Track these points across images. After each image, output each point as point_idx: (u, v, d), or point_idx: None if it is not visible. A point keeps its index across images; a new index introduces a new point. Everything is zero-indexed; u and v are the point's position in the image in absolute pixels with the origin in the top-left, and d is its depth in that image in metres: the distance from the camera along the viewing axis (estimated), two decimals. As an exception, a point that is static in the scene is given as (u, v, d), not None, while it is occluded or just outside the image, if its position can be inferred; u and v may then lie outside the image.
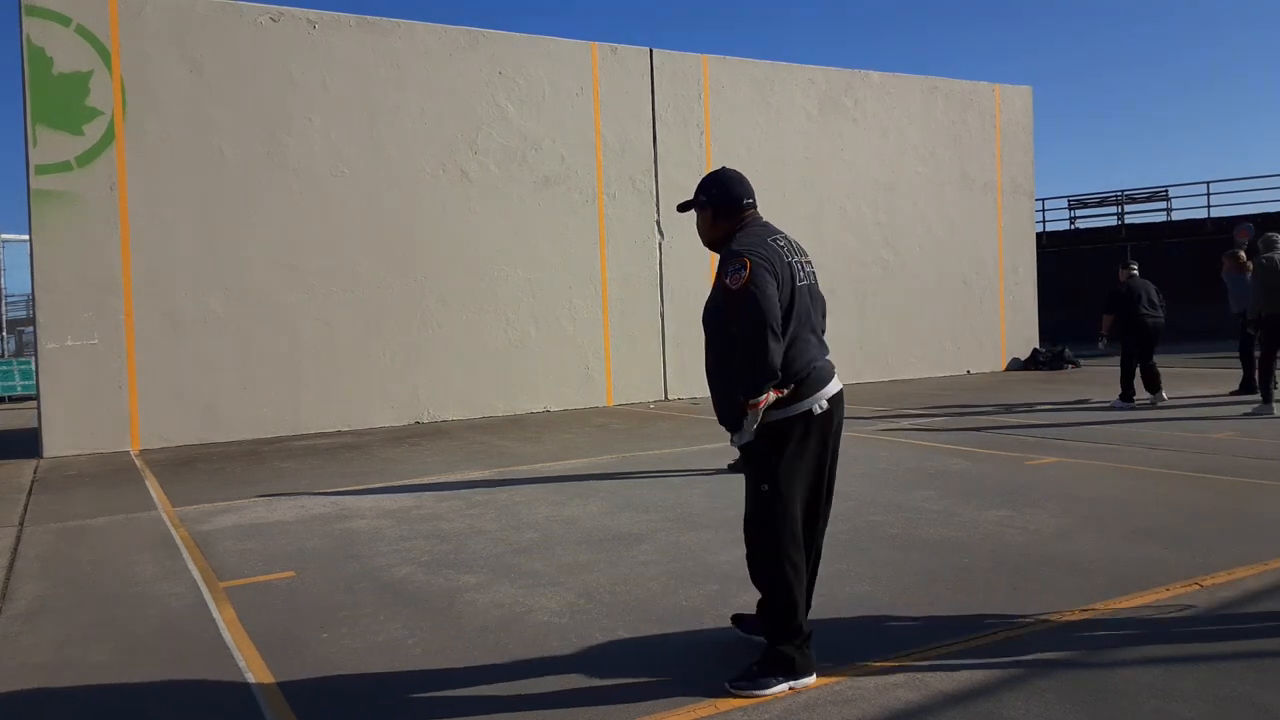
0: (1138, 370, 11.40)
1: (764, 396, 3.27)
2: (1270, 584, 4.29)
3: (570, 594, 4.55)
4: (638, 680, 3.47)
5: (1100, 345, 11.97)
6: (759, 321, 3.21)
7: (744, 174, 3.66)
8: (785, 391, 3.33)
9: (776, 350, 3.24)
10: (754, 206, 3.58)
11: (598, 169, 13.75)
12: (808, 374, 3.39)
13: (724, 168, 3.71)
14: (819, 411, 3.38)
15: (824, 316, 3.59)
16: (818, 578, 3.66)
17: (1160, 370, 11.47)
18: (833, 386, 3.46)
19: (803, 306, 3.41)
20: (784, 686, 3.26)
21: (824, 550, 3.70)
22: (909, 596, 4.30)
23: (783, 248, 3.42)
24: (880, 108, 16.38)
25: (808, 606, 3.48)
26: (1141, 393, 11.41)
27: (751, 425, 3.31)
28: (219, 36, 11.41)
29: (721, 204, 3.54)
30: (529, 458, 9.06)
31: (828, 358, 3.50)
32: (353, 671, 3.67)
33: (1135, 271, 11.76)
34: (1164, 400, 11.30)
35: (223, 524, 6.51)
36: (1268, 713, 3.00)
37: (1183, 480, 6.82)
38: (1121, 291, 11.61)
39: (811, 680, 3.32)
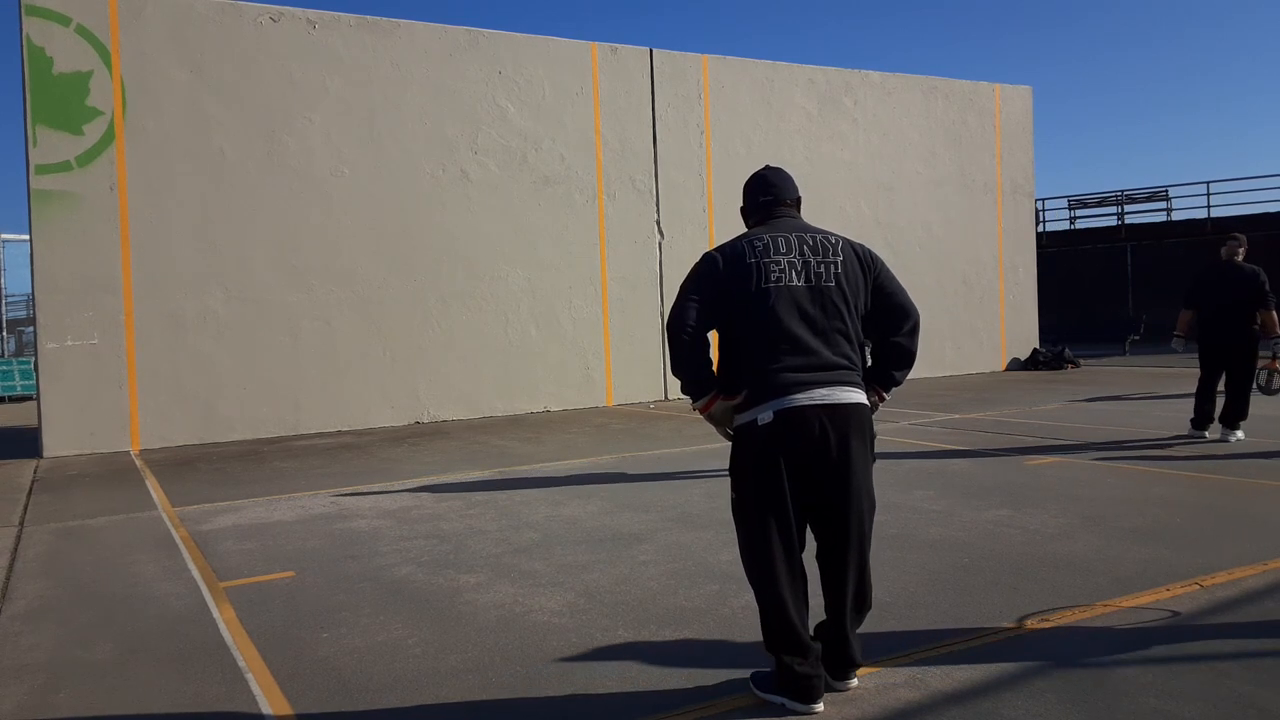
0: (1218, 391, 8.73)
1: (704, 401, 3.25)
2: (1270, 584, 4.29)
3: (570, 594, 4.55)
4: (638, 680, 3.46)
5: (1175, 347, 9.38)
6: (668, 324, 3.25)
7: (780, 171, 3.50)
8: (738, 398, 3.21)
9: (680, 353, 3.21)
10: (778, 204, 3.41)
11: (598, 169, 13.75)
12: (758, 382, 3.15)
13: (760, 169, 3.56)
14: (762, 423, 3.13)
15: (842, 320, 3.20)
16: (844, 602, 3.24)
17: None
18: (798, 399, 3.10)
19: (766, 310, 3.14)
20: (779, 701, 3.16)
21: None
22: (909, 596, 4.30)
23: (761, 246, 3.19)
24: (880, 108, 16.39)
25: (842, 640, 3.24)
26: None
27: (719, 426, 3.32)
28: (219, 36, 11.41)
29: (744, 206, 3.54)
30: (529, 458, 9.06)
31: (819, 370, 3.14)
32: (353, 671, 3.66)
33: (1239, 251, 8.54)
34: (1238, 438, 8.58)
35: (223, 524, 6.51)
36: (1268, 713, 3.00)
37: (1183, 480, 6.82)
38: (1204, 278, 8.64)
39: (806, 710, 3.10)
